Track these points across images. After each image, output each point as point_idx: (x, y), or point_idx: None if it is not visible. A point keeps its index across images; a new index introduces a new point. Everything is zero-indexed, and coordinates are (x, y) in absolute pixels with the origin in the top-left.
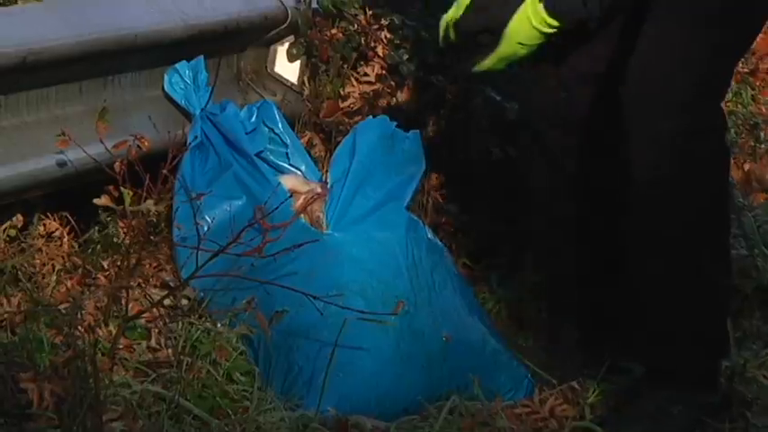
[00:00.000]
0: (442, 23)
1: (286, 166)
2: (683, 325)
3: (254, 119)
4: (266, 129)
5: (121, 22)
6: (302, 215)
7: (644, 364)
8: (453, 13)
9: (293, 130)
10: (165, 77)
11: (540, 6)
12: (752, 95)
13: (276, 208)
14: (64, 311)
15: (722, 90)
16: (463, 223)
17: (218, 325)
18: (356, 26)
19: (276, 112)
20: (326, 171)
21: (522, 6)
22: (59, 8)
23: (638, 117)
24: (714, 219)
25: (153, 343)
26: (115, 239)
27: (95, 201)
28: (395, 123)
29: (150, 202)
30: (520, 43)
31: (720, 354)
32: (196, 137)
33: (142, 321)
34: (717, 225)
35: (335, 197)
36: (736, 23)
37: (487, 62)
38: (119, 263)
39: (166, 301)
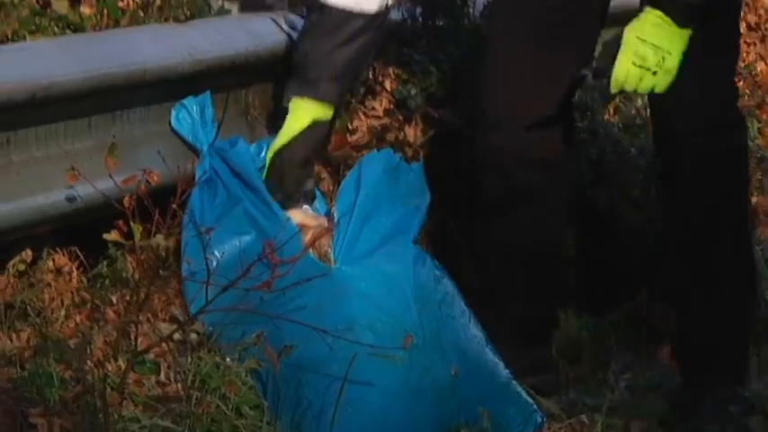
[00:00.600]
0: (269, 152)
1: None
2: (729, 318)
3: (263, 155)
4: None
5: (130, 57)
6: (311, 249)
7: (693, 367)
8: (278, 141)
9: None
10: (173, 113)
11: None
12: (758, 128)
13: (285, 243)
14: (73, 346)
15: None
16: (469, 255)
17: (228, 359)
18: None
19: None
20: (333, 204)
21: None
22: (68, 44)
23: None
24: (738, 210)
25: (162, 377)
26: (124, 274)
27: (105, 236)
28: (399, 156)
29: (160, 236)
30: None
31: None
32: (205, 172)
33: (151, 356)
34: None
35: (343, 231)
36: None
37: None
38: (128, 297)
39: (175, 336)
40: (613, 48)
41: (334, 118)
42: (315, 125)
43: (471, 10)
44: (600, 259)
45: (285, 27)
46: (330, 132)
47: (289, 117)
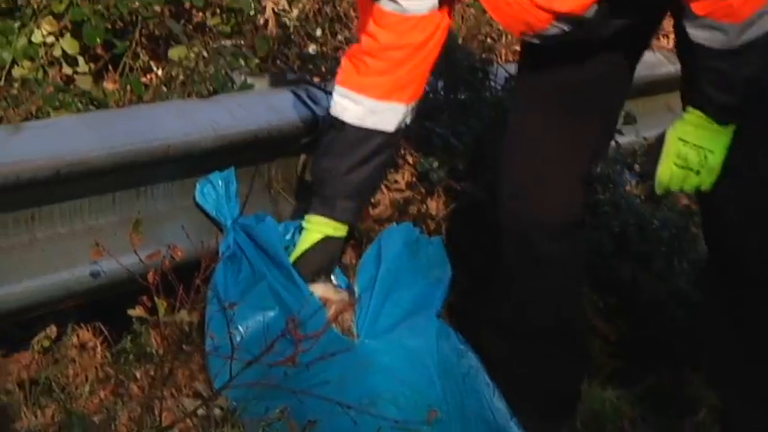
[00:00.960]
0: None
1: None
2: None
3: (290, 235)
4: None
5: (153, 133)
6: (334, 324)
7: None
8: (293, 253)
9: None
10: (197, 188)
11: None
12: None
13: (309, 318)
14: (98, 422)
15: None
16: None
17: None
18: None
19: None
20: (355, 279)
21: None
22: (92, 120)
23: None
24: None
25: None
26: (148, 349)
27: (129, 312)
28: (419, 229)
29: (183, 312)
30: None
31: None
32: (229, 247)
33: (176, 431)
34: None
35: (365, 305)
36: None
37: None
38: (152, 372)
39: (199, 411)
40: (657, 149)
41: (349, 232)
42: (327, 240)
43: (493, 83)
44: (623, 331)
45: (307, 101)
46: (345, 245)
47: (303, 232)
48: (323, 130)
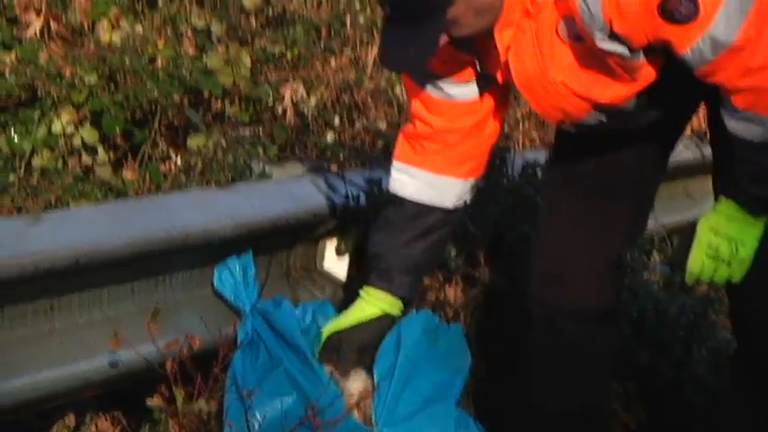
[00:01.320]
0: (327, 329)
1: None
2: None
3: (308, 318)
4: (319, 327)
5: (171, 222)
6: (353, 412)
7: None
8: (341, 322)
9: None
10: (215, 273)
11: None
12: None
13: (328, 405)
14: None
15: None
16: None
17: None
18: None
19: (332, 310)
20: (374, 366)
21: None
22: (111, 210)
23: None
24: None
25: None
26: None
27: (147, 402)
28: (438, 317)
29: (202, 401)
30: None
31: None
32: (247, 334)
33: None
34: None
35: (384, 393)
36: None
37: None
38: None
39: None
40: (688, 240)
41: (403, 311)
42: (384, 317)
43: (510, 170)
44: (642, 419)
45: (326, 189)
46: (395, 323)
47: (358, 302)
48: (343, 217)
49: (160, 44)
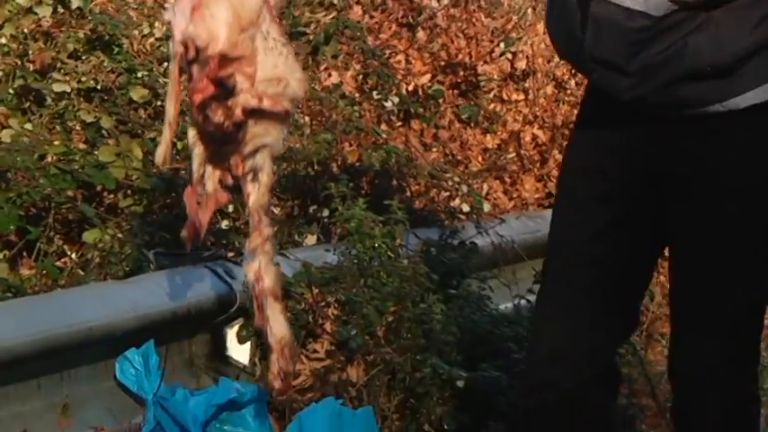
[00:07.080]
0: None
1: None
2: None
3: (213, 401)
4: (218, 409)
5: (73, 317)
6: None
7: None
8: None
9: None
10: (117, 366)
11: None
12: None
13: None
14: None
15: None
16: None
17: None
18: (303, 305)
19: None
20: None
21: None
22: (11, 308)
23: None
24: None
25: None
26: None
27: None
28: (340, 401)
29: None
30: None
31: None
32: (150, 422)
33: None
34: None
35: None
36: None
37: None
38: None
39: None
40: None
41: None
42: None
43: (406, 249)
44: None
45: (224, 276)
46: None
47: None
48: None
49: (52, 140)
